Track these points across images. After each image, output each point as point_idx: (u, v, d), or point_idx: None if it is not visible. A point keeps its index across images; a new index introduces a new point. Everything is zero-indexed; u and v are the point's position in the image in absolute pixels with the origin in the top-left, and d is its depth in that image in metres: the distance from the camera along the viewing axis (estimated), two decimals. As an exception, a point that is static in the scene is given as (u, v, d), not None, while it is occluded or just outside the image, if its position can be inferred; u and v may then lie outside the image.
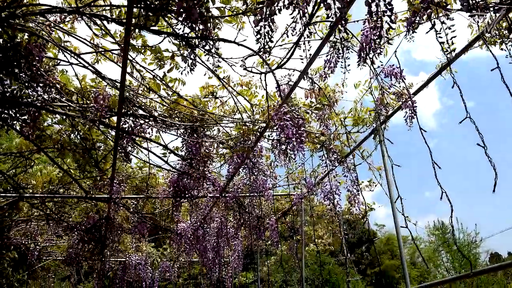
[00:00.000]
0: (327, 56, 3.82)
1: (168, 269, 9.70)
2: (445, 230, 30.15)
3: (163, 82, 3.82)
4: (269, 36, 2.83)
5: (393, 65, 3.35)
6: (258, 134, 4.61)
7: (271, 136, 4.83)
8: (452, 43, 2.17)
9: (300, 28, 3.05)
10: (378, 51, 3.23)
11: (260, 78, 3.65)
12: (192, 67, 3.55)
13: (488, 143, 2.73)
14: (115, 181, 5.11)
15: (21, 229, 7.10)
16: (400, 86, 3.58)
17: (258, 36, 2.85)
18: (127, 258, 8.48)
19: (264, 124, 4.44)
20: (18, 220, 6.60)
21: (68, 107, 3.93)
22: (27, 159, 5.07)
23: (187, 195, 5.37)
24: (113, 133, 4.73)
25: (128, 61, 3.76)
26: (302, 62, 3.16)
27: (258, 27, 2.83)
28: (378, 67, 3.44)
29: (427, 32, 2.85)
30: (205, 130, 4.63)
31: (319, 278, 25.32)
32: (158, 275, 9.83)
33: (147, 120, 4.35)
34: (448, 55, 2.79)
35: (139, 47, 3.60)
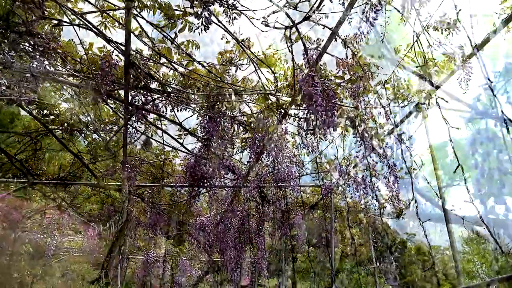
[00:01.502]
0: (362, 13, 3.31)
1: (189, 269, 9.26)
2: (480, 240, 28.56)
3: (174, 44, 3.39)
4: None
5: (445, 14, 2.79)
6: (283, 111, 4.11)
7: (297, 115, 4.32)
8: None
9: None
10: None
11: (285, 33, 3.17)
12: (206, 25, 3.11)
13: None
14: (127, 165, 4.71)
15: (36, 221, 6.83)
16: (452, 45, 3.00)
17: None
18: (145, 256, 8.09)
19: (289, 99, 3.95)
20: (32, 211, 6.33)
21: (72, 76, 3.56)
22: (36, 142, 4.76)
23: (205, 184, 4.91)
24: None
25: (136, 22, 3.38)
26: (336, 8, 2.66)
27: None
28: (424, 20, 2.89)
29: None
30: (224, 108, 4.17)
31: None
32: (179, 275, 9.40)
33: (159, 96, 3.93)
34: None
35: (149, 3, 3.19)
